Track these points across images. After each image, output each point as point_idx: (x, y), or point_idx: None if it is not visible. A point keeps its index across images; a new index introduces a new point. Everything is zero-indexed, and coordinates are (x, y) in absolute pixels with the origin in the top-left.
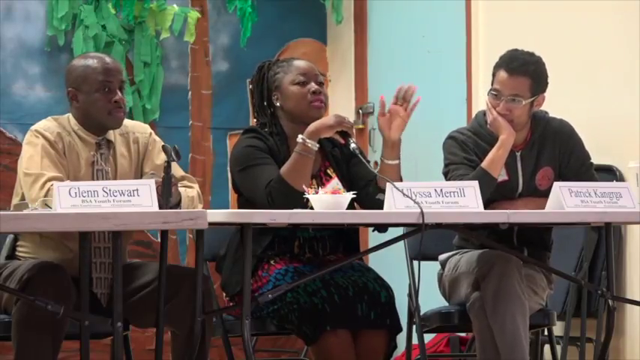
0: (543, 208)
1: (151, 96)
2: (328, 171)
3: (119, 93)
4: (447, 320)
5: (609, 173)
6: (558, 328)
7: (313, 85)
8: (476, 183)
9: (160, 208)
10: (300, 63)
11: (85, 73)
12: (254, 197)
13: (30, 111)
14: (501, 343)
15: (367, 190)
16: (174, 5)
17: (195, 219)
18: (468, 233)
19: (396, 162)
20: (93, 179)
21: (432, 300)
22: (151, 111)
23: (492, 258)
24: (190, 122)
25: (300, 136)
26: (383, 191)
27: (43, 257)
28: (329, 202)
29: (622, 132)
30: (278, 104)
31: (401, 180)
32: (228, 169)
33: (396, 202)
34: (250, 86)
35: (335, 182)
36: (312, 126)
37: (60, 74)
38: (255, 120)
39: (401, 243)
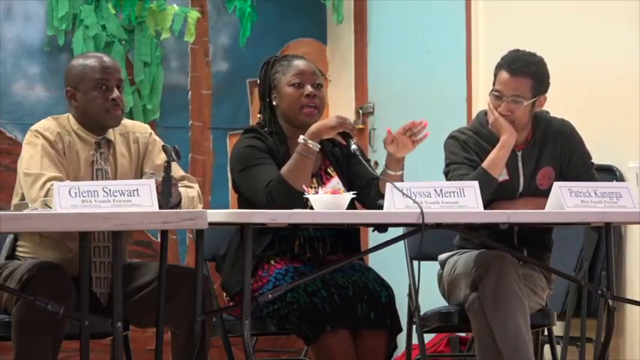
0: (543, 208)
1: (151, 96)
2: (329, 170)
3: (117, 91)
4: (446, 320)
5: (609, 173)
6: (558, 328)
7: (308, 88)
8: (476, 183)
9: (160, 208)
10: (298, 63)
11: (82, 72)
12: (254, 197)
13: (30, 111)
14: (504, 344)
15: (368, 190)
16: (174, 5)
17: (195, 219)
18: (468, 233)
19: (400, 173)
20: (93, 179)
21: (432, 300)
22: (151, 111)
23: (489, 259)
24: (190, 122)
25: (301, 136)
26: (384, 197)
27: (42, 257)
28: (329, 202)
29: (622, 132)
30: (275, 103)
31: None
32: (228, 169)
33: (396, 202)
34: (258, 81)
35: (335, 181)
36: (313, 127)
37: (60, 74)
38: (258, 116)
39: (401, 243)
